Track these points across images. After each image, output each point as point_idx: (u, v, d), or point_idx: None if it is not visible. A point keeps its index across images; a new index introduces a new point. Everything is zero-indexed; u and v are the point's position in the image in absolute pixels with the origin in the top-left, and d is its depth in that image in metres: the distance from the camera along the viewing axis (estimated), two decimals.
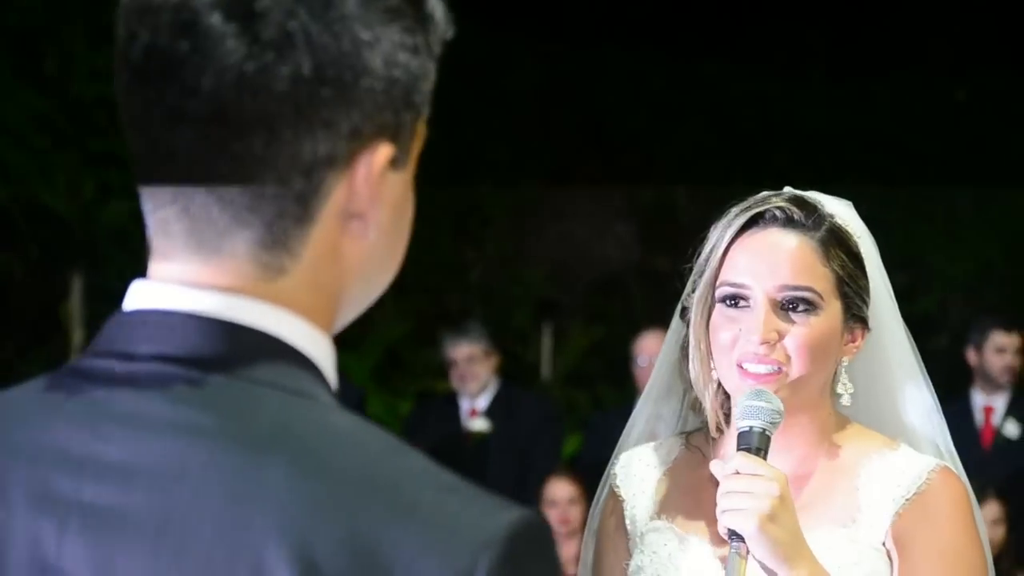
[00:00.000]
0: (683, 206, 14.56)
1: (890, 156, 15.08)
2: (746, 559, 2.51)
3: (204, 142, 1.36)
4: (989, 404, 8.56)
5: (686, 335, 2.74)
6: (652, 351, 8.22)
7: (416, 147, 1.45)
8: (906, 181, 14.38)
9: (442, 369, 9.58)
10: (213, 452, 1.32)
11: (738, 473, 2.53)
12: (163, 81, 1.37)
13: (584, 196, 14.43)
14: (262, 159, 1.36)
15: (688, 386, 2.76)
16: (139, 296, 1.41)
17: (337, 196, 1.39)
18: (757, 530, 2.48)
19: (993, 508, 7.30)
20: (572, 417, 10.93)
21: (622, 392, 11.58)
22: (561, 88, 15.08)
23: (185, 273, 1.39)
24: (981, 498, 2.72)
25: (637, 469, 2.79)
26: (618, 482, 2.81)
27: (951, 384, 9.40)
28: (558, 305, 13.57)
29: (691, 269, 2.76)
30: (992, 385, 8.56)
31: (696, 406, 2.76)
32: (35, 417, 1.38)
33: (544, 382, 12.72)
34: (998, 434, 8.51)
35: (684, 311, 2.74)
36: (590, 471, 7.31)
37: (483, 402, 8.73)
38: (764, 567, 2.52)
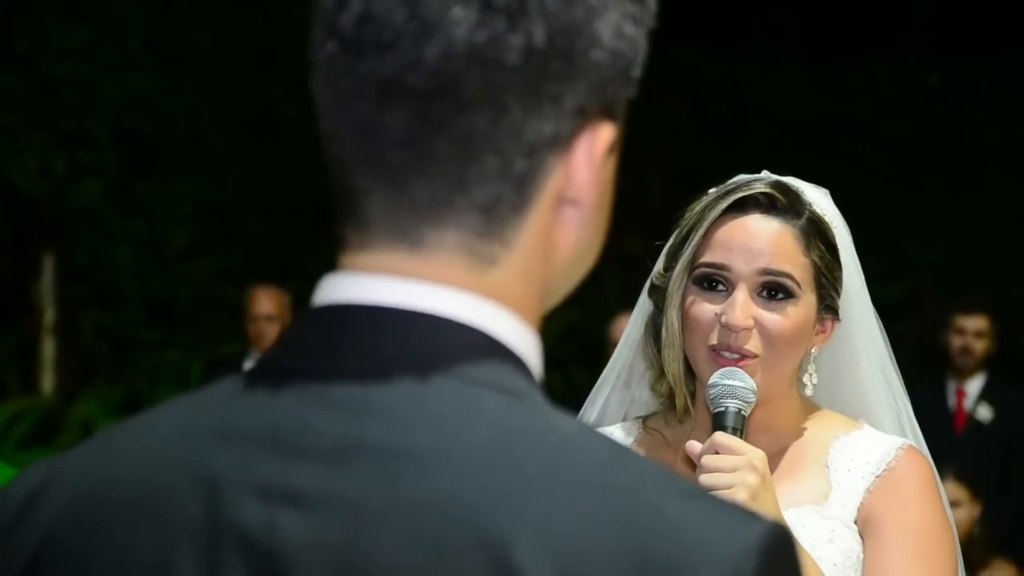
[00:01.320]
0: (656, 190, 14.58)
1: (863, 141, 15.11)
2: None
3: (423, 119, 1.25)
4: (961, 388, 8.60)
5: (652, 314, 2.73)
6: None
7: (622, 129, 1.35)
8: (879, 166, 14.41)
9: None
10: (427, 461, 1.23)
11: (717, 453, 2.52)
12: (379, 52, 1.25)
13: None
14: (485, 138, 1.26)
15: (650, 365, 2.75)
16: (339, 288, 1.30)
17: (555, 180, 1.29)
18: None
19: (951, 489, 7.33)
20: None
21: (595, 375, 11.58)
22: None
23: (390, 264, 1.28)
24: (942, 479, 2.76)
25: None
26: None
27: (923, 369, 9.43)
28: None
29: (661, 247, 2.75)
30: (956, 368, 8.60)
31: (657, 387, 2.75)
32: (239, 410, 1.29)
33: None
34: (970, 418, 8.55)
35: (653, 289, 2.73)
36: None
37: None
38: None
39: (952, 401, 8.57)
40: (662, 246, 2.75)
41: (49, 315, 11.67)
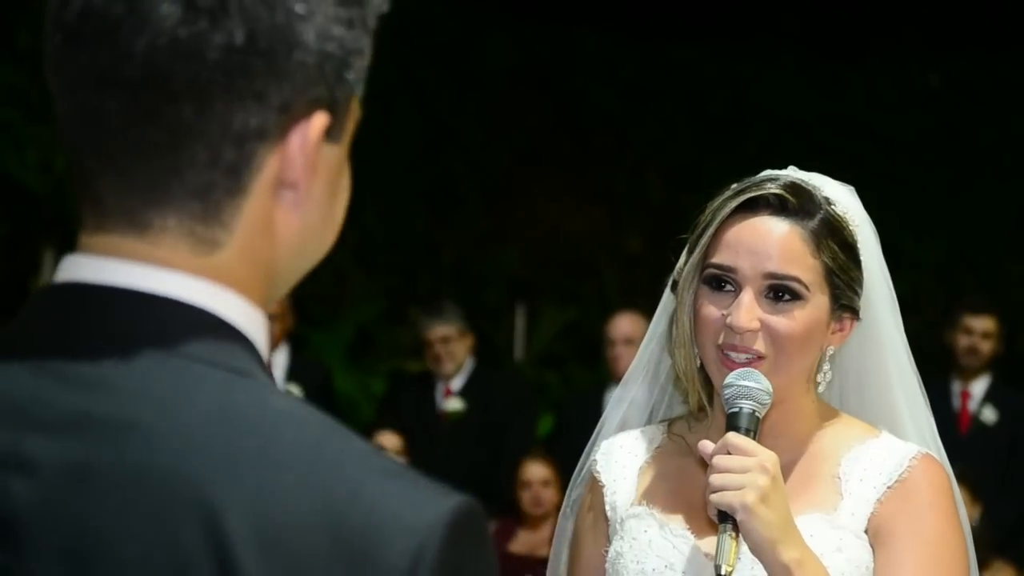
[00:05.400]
0: (655, 188, 14.57)
1: (863, 140, 15.11)
2: (737, 540, 2.48)
3: (135, 107, 1.34)
4: (966, 389, 8.57)
5: (676, 309, 2.72)
6: (626, 333, 8.23)
7: (351, 123, 1.43)
8: (878, 165, 14.41)
9: (414, 348, 9.58)
10: (151, 434, 1.31)
11: (729, 453, 2.51)
12: (97, 43, 1.34)
13: (557, 177, 14.44)
14: (192, 128, 1.34)
15: (674, 359, 2.75)
16: (73, 269, 1.39)
17: (269, 168, 1.37)
18: (750, 510, 2.45)
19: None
20: (544, 398, 10.94)
21: (594, 373, 11.58)
22: (535, 69, 15.06)
23: (119, 246, 1.37)
24: None
25: (619, 456, 2.78)
26: (599, 468, 2.79)
27: (922, 369, 9.40)
28: (530, 286, 13.58)
29: (683, 242, 2.73)
30: (961, 368, 8.57)
31: (679, 384, 2.75)
32: None
33: (516, 363, 12.72)
34: (975, 419, 8.52)
35: (674, 285, 2.72)
36: (563, 453, 7.31)
37: (458, 383, 8.72)
38: (753, 551, 2.49)
39: (957, 402, 8.54)
40: (685, 240, 2.74)
41: None
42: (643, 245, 13.74)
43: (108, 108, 1.35)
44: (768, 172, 2.72)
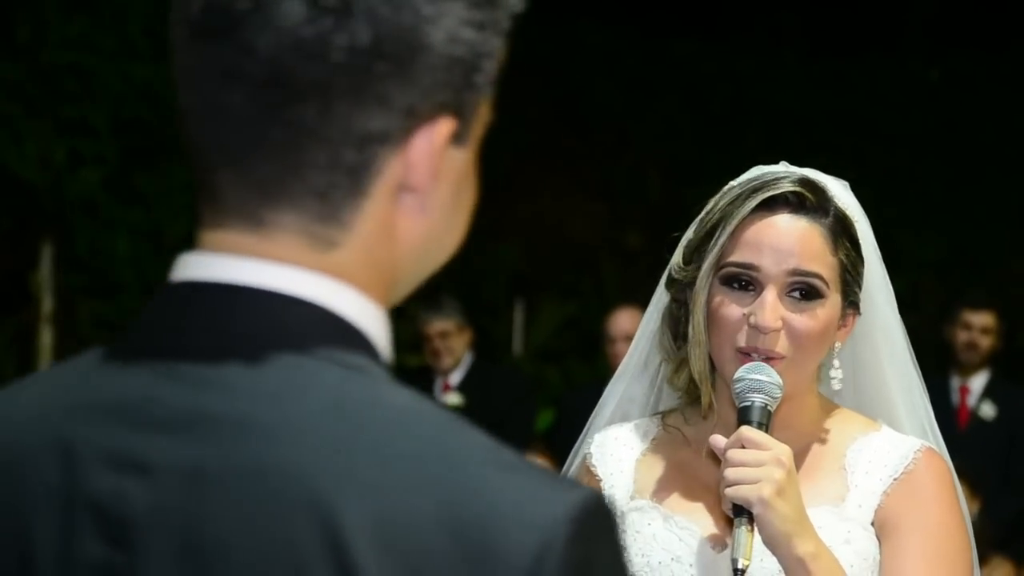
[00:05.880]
0: (655, 183, 14.57)
1: (863, 136, 15.11)
2: (753, 533, 2.48)
3: (257, 104, 1.32)
4: (965, 385, 8.58)
5: (669, 306, 2.72)
6: (626, 329, 8.22)
7: (479, 127, 1.40)
8: (878, 161, 14.40)
9: (413, 343, 9.58)
10: (265, 432, 1.29)
11: (743, 447, 2.50)
12: (220, 38, 1.32)
13: (557, 172, 14.44)
14: (314, 129, 1.31)
15: (665, 357, 2.74)
16: (192, 267, 1.37)
17: (392, 171, 1.34)
18: (767, 503, 2.45)
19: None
20: (542, 393, 10.94)
21: (593, 368, 11.58)
22: (535, 64, 15.05)
23: (237, 243, 1.35)
24: None
25: (613, 448, 2.77)
26: (594, 461, 2.78)
27: (921, 365, 9.40)
28: (530, 281, 13.58)
29: (677, 239, 2.73)
30: (960, 364, 8.58)
31: (674, 380, 2.74)
32: (95, 383, 1.36)
33: (515, 357, 12.72)
34: (974, 415, 8.52)
35: (671, 282, 2.71)
36: (562, 447, 7.31)
37: (457, 377, 8.72)
38: (767, 544, 2.49)
39: (955, 398, 8.54)
40: (679, 238, 2.73)
41: (47, 304, 11.67)
42: (643, 240, 13.74)
43: (230, 104, 1.33)
44: (761, 167, 2.71)
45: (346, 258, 1.35)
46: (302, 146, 1.32)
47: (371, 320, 1.36)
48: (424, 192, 1.36)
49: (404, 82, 1.32)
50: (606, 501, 1.30)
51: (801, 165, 2.75)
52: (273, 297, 1.33)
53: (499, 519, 1.25)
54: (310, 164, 1.32)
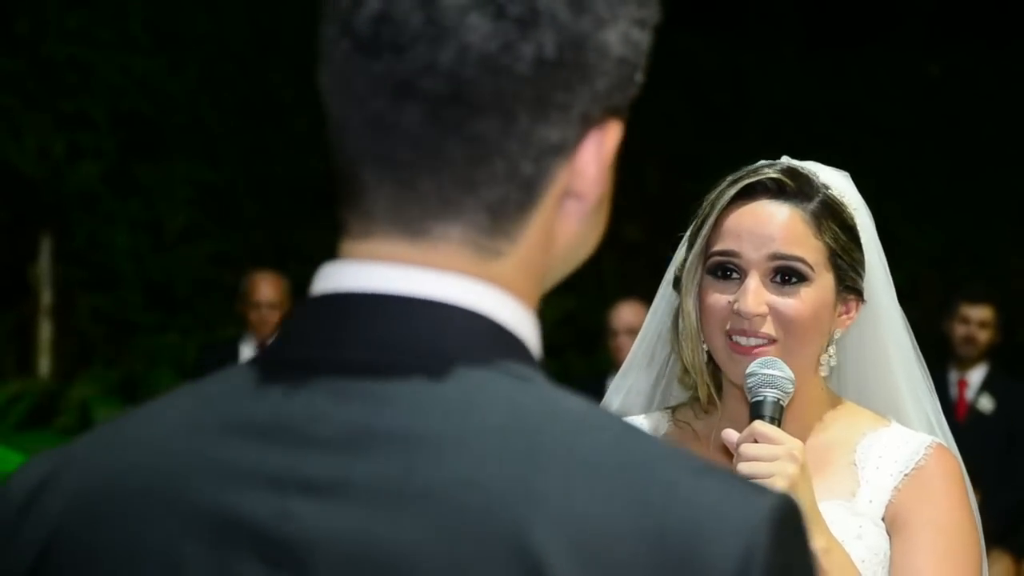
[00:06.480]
0: (654, 177, 14.57)
1: (862, 130, 15.10)
2: None
3: (434, 120, 1.27)
4: (963, 378, 8.58)
5: (679, 305, 2.71)
6: (628, 322, 8.22)
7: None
8: (877, 155, 14.40)
9: None
10: (440, 446, 1.24)
11: (755, 442, 2.50)
12: (394, 53, 1.27)
13: None
14: (494, 143, 1.27)
15: (678, 357, 2.74)
16: (341, 276, 1.31)
17: (561, 179, 1.31)
18: None
19: None
20: None
21: (592, 361, 11.58)
22: None
23: (392, 252, 1.29)
24: None
25: None
26: None
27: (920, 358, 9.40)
28: None
29: (681, 238, 2.73)
30: (958, 357, 8.59)
31: (685, 379, 2.74)
32: (248, 402, 1.30)
33: None
34: (972, 408, 8.53)
35: (677, 281, 2.72)
36: None
37: None
38: None
39: (954, 391, 8.55)
40: (681, 237, 2.73)
41: (46, 297, 11.67)
42: (641, 234, 13.74)
43: (402, 120, 1.28)
44: (763, 163, 2.72)
45: (508, 267, 1.31)
46: (480, 160, 1.28)
47: (529, 328, 1.32)
48: (589, 199, 1.33)
49: (583, 89, 1.29)
50: (799, 504, 1.27)
51: (801, 158, 2.76)
52: (437, 307, 1.28)
53: (699, 525, 1.21)
54: (486, 179, 1.28)
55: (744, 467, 2.48)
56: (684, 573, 1.21)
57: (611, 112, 1.32)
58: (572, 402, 1.28)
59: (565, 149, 1.30)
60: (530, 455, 1.23)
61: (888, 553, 2.61)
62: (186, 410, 1.33)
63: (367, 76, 1.29)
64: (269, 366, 1.31)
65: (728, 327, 2.60)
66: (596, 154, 1.32)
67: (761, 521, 1.22)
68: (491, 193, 1.29)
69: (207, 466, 1.28)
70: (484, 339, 1.29)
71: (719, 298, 2.62)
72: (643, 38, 1.34)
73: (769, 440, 2.49)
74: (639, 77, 1.34)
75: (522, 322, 1.31)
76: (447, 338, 1.28)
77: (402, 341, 1.27)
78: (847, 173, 2.74)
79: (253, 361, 1.33)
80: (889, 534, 2.62)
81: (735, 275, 2.63)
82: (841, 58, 15.82)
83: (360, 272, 1.30)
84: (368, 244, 1.31)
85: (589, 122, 1.31)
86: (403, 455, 1.24)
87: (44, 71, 11.70)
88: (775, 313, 2.60)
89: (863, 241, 2.69)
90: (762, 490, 1.25)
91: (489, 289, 1.30)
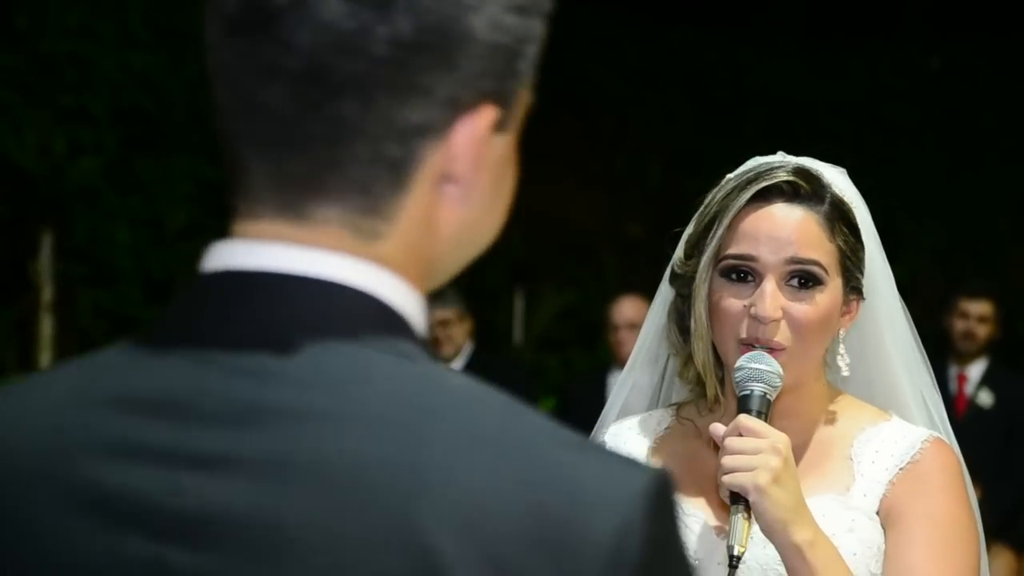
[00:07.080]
0: (655, 172, 14.57)
1: (863, 124, 15.10)
2: (750, 521, 2.50)
3: (297, 100, 1.29)
4: (963, 373, 8.59)
5: (675, 301, 2.72)
6: (630, 317, 8.23)
7: (520, 112, 1.37)
8: (878, 149, 14.40)
9: None
10: (327, 421, 1.26)
11: (741, 435, 2.51)
12: (258, 34, 1.30)
13: (557, 160, 14.43)
14: (354, 124, 1.29)
15: (673, 352, 2.75)
16: (229, 254, 1.33)
17: (434, 162, 1.32)
18: (762, 491, 2.46)
19: None
20: (543, 381, 10.95)
21: (593, 356, 11.59)
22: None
23: (276, 232, 1.32)
24: None
25: (628, 438, 2.77)
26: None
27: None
28: (530, 269, 13.58)
29: (679, 234, 2.74)
30: (957, 352, 8.59)
31: (684, 374, 2.75)
32: (135, 376, 1.31)
33: (515, 346, 12.73)
34: (971, 403, 8.54)
35: (674, 277, 2.72)
36: None
37: (457, 366, 8.71)
38: (764, 531, 2.50)
39: (953, 386, 8.56)
40: (680, 233, 2.73)
41: (47, 293, 11.67)
42: (643, 229, 13.74)
43: (268, 100, 1.30)
44: (758, 158, 2.72)
45: (389, 248, 1.32)
46: (343, 141, 1.30)
47: (413, 307, 1.33)
48: (466, 182, 1.34)
49: (446, 73, 1.30)
50: (673, 479, 1.29)
51: (801, 153, 2.76)
52: (321, 284, 1.30)
53: (577, 500, 1.23)
54: (351, 159, 1.30)
55: (727, 460, 2.49)
56: (563, 546, 1.23)
57: (485, 97, 1.32)
58: (455, 379, 1.31)
59: (432, 132, 1.31)
60: (415, 430, 1.25)
61: (882, 547, 2.61)
62: (71, 385, 1.34)
63: (237, 57, 1.31)
64: (156, 341, 1.33)
65: (743, 334, 2.61)
66: (469, 137, 1.32)
67: (637, 496, 1.24)
68: (359, 173, 1.30)
69: (93, 441, 1.29)
70: (368, 317, 1.30)
71: (734, 302, 2.62)
72: (522, 24, 1.34)
73: (753, 434, 2.50)
74: (525, 64, 1.34)
75: (406, 301, 1.33)
76: (332, 316, 1.29)
77: (288, 318, 1.29)
78: (843, 169, 2.74)
79: (140, 337, 1.35)
80: (884, 528, 2.62)
81: (750, 278, 2.63)
82: (842, 52, 15.82)
83: (247, 251, 1.32)
84: (256, 224, 1.33)
85: (458, 106, 1.31)
86: (291, 430, 1.25)
87: (44, 67, 11.70)
88: (788, 318, 2.60)
89: (863, 237, 2.70)
90: (638, 465, 1.28)
91: (372, 268, 1.31)
